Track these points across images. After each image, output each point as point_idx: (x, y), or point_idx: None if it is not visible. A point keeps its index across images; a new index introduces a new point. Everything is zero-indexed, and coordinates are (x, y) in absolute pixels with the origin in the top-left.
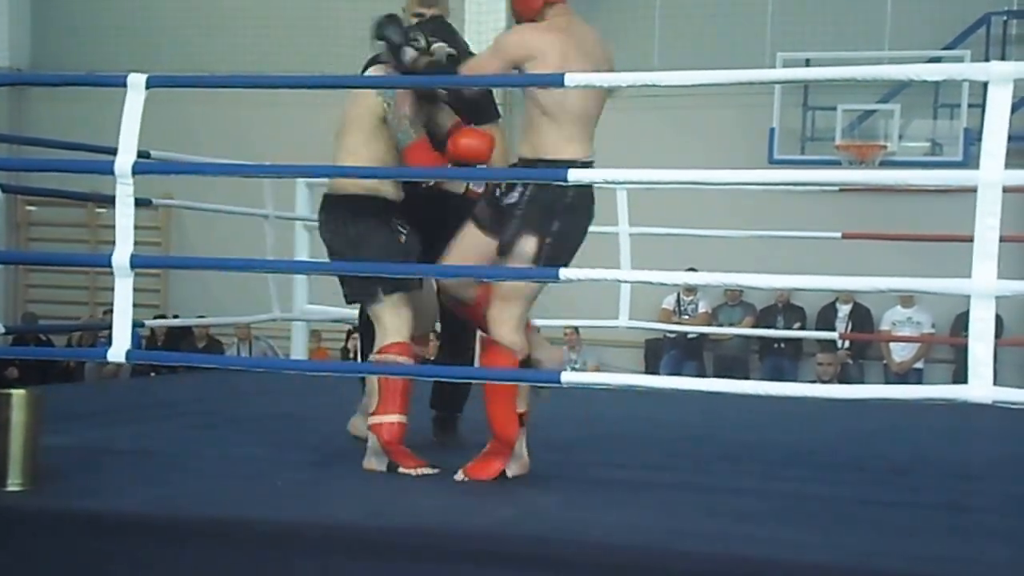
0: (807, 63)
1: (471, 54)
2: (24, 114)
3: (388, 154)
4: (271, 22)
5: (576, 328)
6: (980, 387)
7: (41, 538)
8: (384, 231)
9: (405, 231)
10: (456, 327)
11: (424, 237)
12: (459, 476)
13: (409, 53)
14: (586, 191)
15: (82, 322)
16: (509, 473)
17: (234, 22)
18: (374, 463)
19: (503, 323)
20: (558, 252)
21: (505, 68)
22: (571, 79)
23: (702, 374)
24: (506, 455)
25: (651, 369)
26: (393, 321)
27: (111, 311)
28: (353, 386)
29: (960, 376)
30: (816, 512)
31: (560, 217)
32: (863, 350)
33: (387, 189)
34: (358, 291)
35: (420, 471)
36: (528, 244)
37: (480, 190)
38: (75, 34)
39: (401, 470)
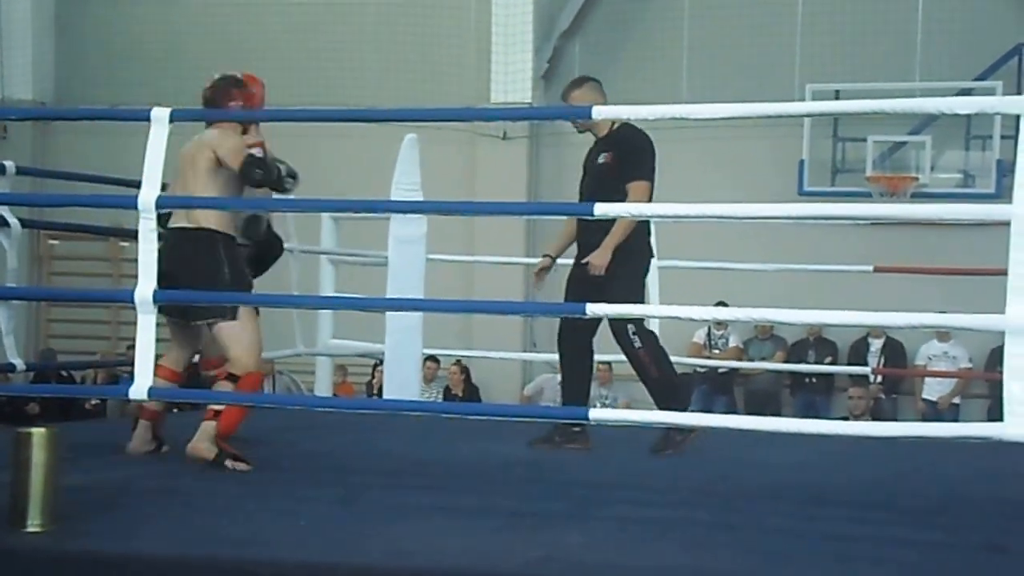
0: (836, 94)
1: None
2: (48, 147)
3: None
4: (293, 56)
5: (609, 363)
6: (1016, 425)
7: None
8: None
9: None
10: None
11: None
12: None
13: None
14: None
15: (103, 359)
16: None
17: (259, 54)
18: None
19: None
20: None
21: None
22: (598, 112)
23: (732, 408)
24: None
25: None
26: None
27: (134, 346)
28: (375, 421)
29: (996, 412)
30: (849, 553)
31: None
32: (896, 385)
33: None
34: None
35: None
36: None
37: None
38: (99, 67)
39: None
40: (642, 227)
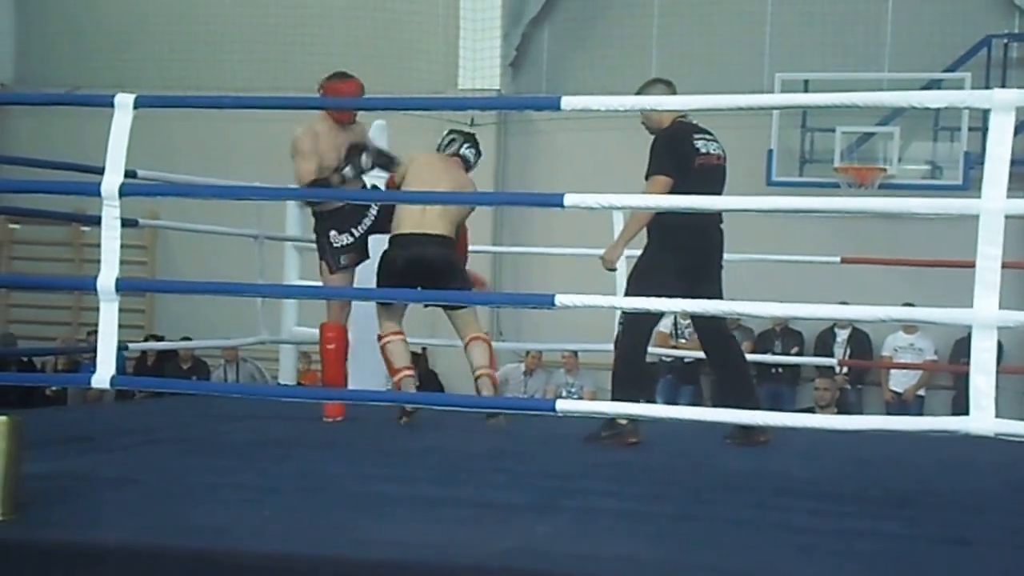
0: (806, 84)
1: None
2: (7, 130)
3: None
4: (259, 40)
5: (575, 352)
6: (982, 419)
7: (21, 570)
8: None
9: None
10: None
11: None
12: None
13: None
14: None
15: (65, 345)
16: None
17: (222, 39)
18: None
19: None
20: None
21: None
22: (567, 102)
23: (698, 398)
24: None
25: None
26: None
27: (95, 331)
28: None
29: (960, 404)
30: (815, 544)
31: None
32: (861, 376)
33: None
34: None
35: None
36: None
37: None
38: (60, 49)
39: None
40: (683, 221)
